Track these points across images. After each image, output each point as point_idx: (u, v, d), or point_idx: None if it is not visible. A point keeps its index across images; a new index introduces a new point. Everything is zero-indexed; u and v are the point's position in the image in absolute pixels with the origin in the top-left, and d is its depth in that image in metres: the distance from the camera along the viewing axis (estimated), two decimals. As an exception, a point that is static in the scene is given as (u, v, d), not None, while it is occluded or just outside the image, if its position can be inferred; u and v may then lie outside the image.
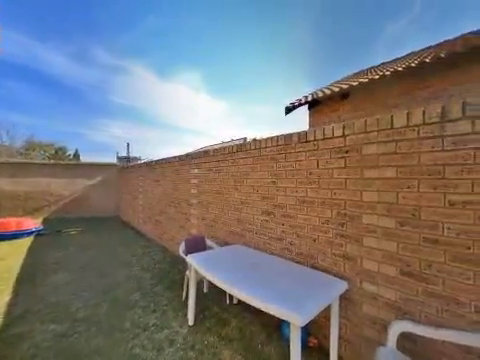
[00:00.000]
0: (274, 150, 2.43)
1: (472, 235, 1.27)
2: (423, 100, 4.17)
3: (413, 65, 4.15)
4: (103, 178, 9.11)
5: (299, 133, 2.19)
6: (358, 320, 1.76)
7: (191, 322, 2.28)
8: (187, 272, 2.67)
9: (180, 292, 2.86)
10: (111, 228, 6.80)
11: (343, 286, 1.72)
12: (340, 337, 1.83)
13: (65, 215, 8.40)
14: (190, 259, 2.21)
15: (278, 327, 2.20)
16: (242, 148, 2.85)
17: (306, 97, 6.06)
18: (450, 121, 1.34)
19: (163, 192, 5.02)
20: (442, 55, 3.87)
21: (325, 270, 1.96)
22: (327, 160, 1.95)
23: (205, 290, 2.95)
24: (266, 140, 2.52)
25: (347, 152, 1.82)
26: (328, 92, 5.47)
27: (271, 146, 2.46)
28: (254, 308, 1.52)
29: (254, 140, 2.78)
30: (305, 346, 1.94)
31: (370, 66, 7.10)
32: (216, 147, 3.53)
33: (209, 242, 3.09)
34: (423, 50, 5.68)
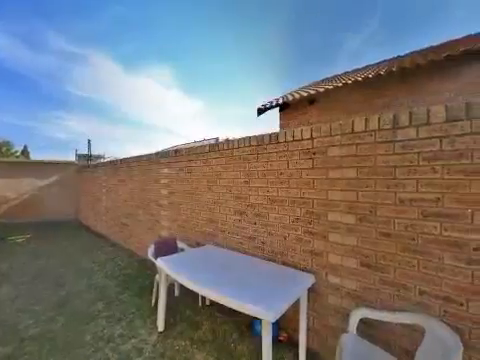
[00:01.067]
0: (247, 151, 2.47)
1: (417, 228, 1.46)
2: (379, 108, 4.65)
3: (370, 76, 4.60)
4: (59, 178, 8.19)
5: (270, 134, 2.25)
6: (324, 311, 1.88)
7: (161, 328, 2.19)
8: (157, 276, 2.55)
9: (149, 298, 2.72)
10: (69, 233, 6.16)
11: (311, 280, 1.83)
12: (308, 329, 1.93)
13: (11, 220, 7.34)
14: (160, 262, 2.12)
15: (250, 324, 2.24)
16: (215, 148, 2.83)
17: (277, 100, 6.27)
18: (400, 128, 1.52)
19: (130, 193, 4.73)
20: (394, 69, 4.37)
21: (295, 266, 2.05)
22: (297, 161, 2.05)
23: (177, 294, 2.86)
24: (239, 140, 2.55)
25: (314, 154, 1.93)
26: (297, 96, 5.75)
27: (244, 146, 2.50)
28: (227, 308, 1.52)
29: (227, 140, 2.79)
30: (276, 341, 2.00)
31: (334, 74, 7.67)
32: (188, 146, 3.45)
33: (180, 244, 3.00)
34: (379, 63, 6.33)
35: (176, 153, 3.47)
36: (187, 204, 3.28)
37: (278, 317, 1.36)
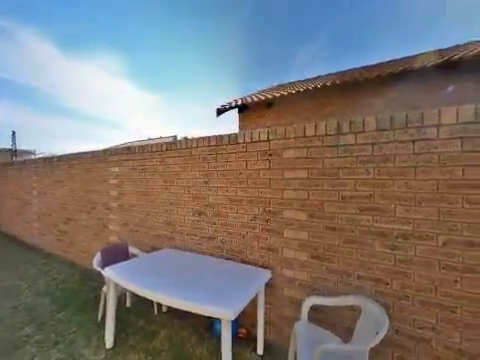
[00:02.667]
0: (206, 150, 2.44)
1: (355, 221, 1.68)
2: (327, 116, 5.20)
3: (319, 87, 5.11)
4: (-31, 178, 6.56)
5: (229, 135, 2.28)
6: (280, 303, 2.00)
7: (110, 344, 1.97)
8: (104, 287, 2.29)
9: (95, 313, 2.42)
10: (-16, 246, 4.99)
11: (268, 275, 1.92)
12: (265, 322, 2.03)
13: None
14: (108, 271, 1.91)
15: (210, 325, 2.22)
16: (172, 147, 2.71)
17: (236, 101, 6.39)
18: (342, 134, 1.73)
19: (70, 195, 4.12)
20: (337, 82, 4.95)
21: (253, 263, 2.13)
22: (255, 161, 2.12)
23: (128, 304, 2.62)
24: (198, 140, 2.50)
25: (271, 155, 2.04)
26: (256, 99, 5.97)
27: (203, 146, 2.46)
28: (185, 312, 1.47)
29: (185, 139, 2.70)
30: (235, 338, 2.04)
31: (289, 81, 8.24)
32: (142, 144, 3.21)
33: (133, 249, 2.76)
34: (327, 75, 7.08)
35: (128, 151, 3.19)
36: (141, 206, 3.04)
37: (237, 314, 1.38)
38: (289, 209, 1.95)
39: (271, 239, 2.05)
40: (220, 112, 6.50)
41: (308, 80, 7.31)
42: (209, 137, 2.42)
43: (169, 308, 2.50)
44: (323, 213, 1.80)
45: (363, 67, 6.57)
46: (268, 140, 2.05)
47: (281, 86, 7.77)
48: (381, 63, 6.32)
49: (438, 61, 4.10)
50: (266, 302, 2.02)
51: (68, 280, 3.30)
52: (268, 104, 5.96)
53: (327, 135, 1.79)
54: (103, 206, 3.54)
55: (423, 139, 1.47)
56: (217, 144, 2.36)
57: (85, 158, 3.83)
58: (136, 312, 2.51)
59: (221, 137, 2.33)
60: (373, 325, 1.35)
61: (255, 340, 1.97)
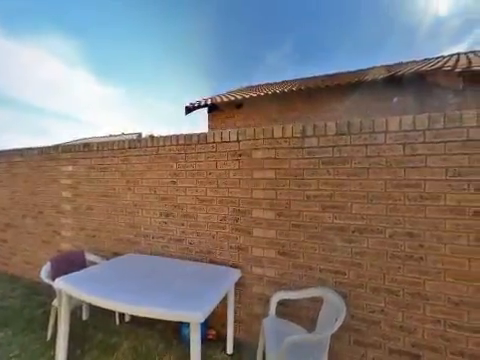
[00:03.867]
0: (174, 149, 2.35)
1: (318, 219, 1.81)
2: (293, 119, 5.47)
3: (285, 91, 5.36)
4: None
5: (199, 134, 2.24)
6: (249, 301, 2.04)
7: (62, 364, 1.76)
8: (55, 301, 2.04)
9: (43, 332, 2.13)
10: None
11: (237, 274, 1.94)
12: (235, 321, 2.04)
13: None
14: (60, 283, 1.70)
15: (177, 330, 2.14)
16: (137, 144, 2.54)
17: (205, 100, 6.31)
18: (307, 137, 1.84)
19: (10, 198, 3.56)
20: (302, 88, 5.26)
21: (222, 263, 2.12)
22: (224, 162, 2.13)
23: (85, 317, 2.37)
24: (165, 138, 2.40)
25: (241, 155, 2.07)
26: (225, 99, 5.98)
27: (170, 145, 2.37)
28: (150, 319, 1.40)
29: (151, 137, 2.57)
30: (205, 340, 2.01)
31: (258, 84, 8.46)
32: (102, 140, 2.94)
33: (90, 257, 2.51)
34: (293, 80, 7.45)
35: (86, 148, 2.89)
36: (100, 208, 2.79)
37: (207, 316, 1.37)
38: (258, 208, 2.00)
39: (241, 238, 2.08)
40: (189, 110, 6.35)
41: (276, 83, 7.61)
42: (177, 136, 2.34)
43: (133, 317, 2.34)
44: (290, 211, 1.90)
45: (325, 75, 7.10)
46: (238, 140, 2.08)
47: (250, 88, 7.93)
48: (340, 73, 6.91)
49: (385, 75, 4.67)
50: (236, 301, 2.04)
51: (7, 296, 2.84)
52: (237, 105, 6.02)
53: (293, 137, 1.89)
54: (53, 209, 3.14)
55: (374, 144, 1.66)
56: (186, 143, 2.29)
57: (31, 155, 3.35)
58: (94, 325, 2.29)
59: (190, 136, 2.28)
60: (333, 313, 1.47)
61: (225, 340, 1.97)
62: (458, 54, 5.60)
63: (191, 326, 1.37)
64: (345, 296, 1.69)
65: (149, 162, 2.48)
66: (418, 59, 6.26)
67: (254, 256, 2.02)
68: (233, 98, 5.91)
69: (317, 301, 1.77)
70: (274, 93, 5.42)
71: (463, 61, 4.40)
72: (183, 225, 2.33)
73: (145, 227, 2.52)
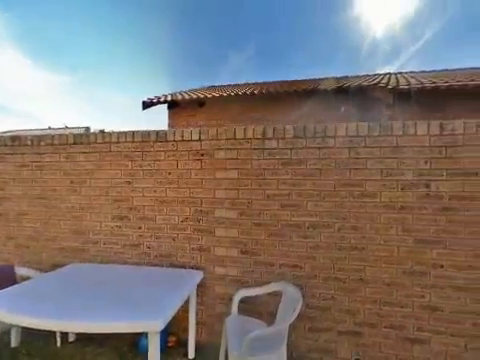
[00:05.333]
0: (130, 147, 2.17)
1: (277, 216, 1.91)
2: (254, 121, 5.63)
3: (248, 93, 5.49)
4: None
5: (158, 132, 2.12)
6: (212, 301, 2.03)
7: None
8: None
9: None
10: None
11: (200, 276, 1.91)
12: (197, 323, 2.00)
13: None
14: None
15: (134, 343, 1.98)
16: (85, 140, 2.26)
17: (165, 96, 6.01)
18: (267, 139, 1.93)
19: None
20: (263, 91, 5.47)
21: (183, 265, 2.06)
22: (186, 161, 2.06)
23: (14, 344, 1.99)
24: (119, 134, 2.19)
25: (203, 155, 2.03)
26: (187, 97, 5.80)
27: (125, 142, 2.18)
28: (101, 335, 1.26)
29: (102, 132, 2.31)
30: (165, 349, 1.91)
31: (221, 84, 8.45)
32: (38, 133, 2.52)
33: (22, 271, 2.13)
34: (254, 83, 7.68)
35: (15, 142, 2.43)
36: (36, 213, 2.38)
37: (166, 323, 1.30)
38: (220, 208, 2.00)
39: (203, 239, 2.04)
40: (147, 105, 5.94)
41: (238, 85, 7.73)
42: (133, 132, 2.17)
43: (79, 335, 2.07)
44: (251, 210, 1.95)
45: (284, 81, 7.53)
46: (200, 140, 2.04)
47: (213, 87, 7.87)
48: (298, 80, 7.43)
49: (334, 86, 5.22)
50: (198, 303, 2.00)
51: None
52: (200, 103, 5.91)
53: (255, 139, 1.95)
54: (-31, 216, 2.55)
55: (325, 147, 1.83)
56: (143, 141, 2.14)
57: None
58: (28, 351, 1.94)
59: (148, 133, 2.13)
60: (291, 305, 1.57)
61: (186, 345, 1.91)
62: (390, 74, 6.62)
63: (149, 336, 1.29)
64: (301, 288, 1.82)
65: (99, 160, 2.23)
66: (360, 74, 7.18)
67: (217, 256, 2.02)
68: (195, 96, 5.78)
69: (277, 295, 1.86)
70: (237, 94, 5.50)
71: (393, 80, 5.22)
72: (140, 228, 2.17)
73: (94, 233, 2.26)
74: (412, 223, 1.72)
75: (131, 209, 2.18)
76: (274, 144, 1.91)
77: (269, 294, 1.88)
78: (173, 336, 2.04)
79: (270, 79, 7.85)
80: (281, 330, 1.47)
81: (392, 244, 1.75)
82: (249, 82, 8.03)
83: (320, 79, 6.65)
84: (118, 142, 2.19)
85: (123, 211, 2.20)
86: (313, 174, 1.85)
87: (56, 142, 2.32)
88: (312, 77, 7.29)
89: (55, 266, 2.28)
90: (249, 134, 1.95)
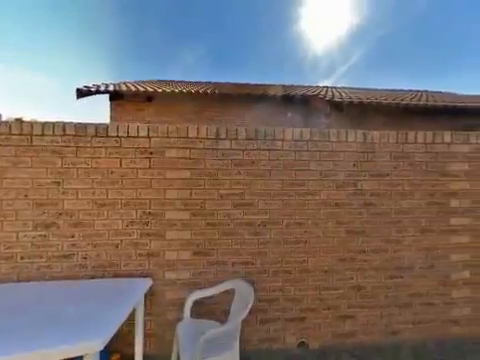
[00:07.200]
0: (59, 141, 1.84)
1: (230, 216, 1.94)
2: (207, 120, 5.57)
3: (201, 92, 5.40)
4: None
5: (97, 125, 1.87)
6: (162, 309, 1.90)
7: None
8: None
9: None
10: None
11: (148, 283, 1.76)
12: (145, 335, 1.84)
13: None
14: None
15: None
16: (-9, 130, 1.80)
17: (107, 86, 5.35)
18: (221, 139, 1.94)
19: None
20: (216, 92, 5.48)
21: (129, 274, 1.87)
22: (132, 159, 1.88)
23: None
24: (44, 125, 1.84)
25: (152, 153, 1.89)
26: (133, 89, 5.30)
27: (53, 135, 1.84)
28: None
29: (20, 121, 1.89)
30: (105, 370, 1.69)
31: (172, 80, 8.04)
32: None
33: None
34: (207, 83, 7.60)
35: None
36: None
37: (107, 341, 1.16)
38: (172, 209, 1.91)
39: (152, 243, 1.90)
40: (82, 94, 5.14)
41: (190, 83, 7.51)
42: (64, 124, 1.85)
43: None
44: (204, 211, 1.93)
45: (236, 84, 7.71)
46: (149, 137, 1.89)
47: (163, 82, 7.42)
48: (249, 84, 7.72)
49: (282, 94, 5.66)
50: (146, 314, 1.85)
51: None
52: (148, 98, 5.49)
53: (208, 139, 1.93)
54: None
55: (275, 149, 1.97)
56: (78, 134, 1.85)
57: None
58: None
59: (84, 126, 1.86)
60: (244, 301, 1.62)
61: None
62: (327, 87, 7.60)
63: (85, 358, 1.12)
64: (253, 283, 1.90)
65: (15, 156, 1.82)
66: (304, 84, 7.99)
67: (167, 260, 1.91)
68: (143, 89, 5.33)
69: (230, 293, 1.89)
70: (190, 92, 5.34)
71: (330, 93, 6.01)
72: (73, 237, 1.86)
73: (8, 246, 1.82)
74: (344, 217, 2.02)
75: (61, 214, 1.85)
76: (227, 145, 1.94)
77: (223, 293, 1.89)
78: (116, 354, 1.83)
79: (221, 80, 7.94)
80: (234, 327, 1.50)
81: (329, 236, 2.01)
82: (202, 81, 7.92)
83: (270, 85, 7.10)
84: (43, 135, 1.83)
85: (50, 217, 1.84)
86: (264, 174, 1.96)
87: None
88: (262, 82, 7.71)
89: None
90: (202, 133, 1.92)
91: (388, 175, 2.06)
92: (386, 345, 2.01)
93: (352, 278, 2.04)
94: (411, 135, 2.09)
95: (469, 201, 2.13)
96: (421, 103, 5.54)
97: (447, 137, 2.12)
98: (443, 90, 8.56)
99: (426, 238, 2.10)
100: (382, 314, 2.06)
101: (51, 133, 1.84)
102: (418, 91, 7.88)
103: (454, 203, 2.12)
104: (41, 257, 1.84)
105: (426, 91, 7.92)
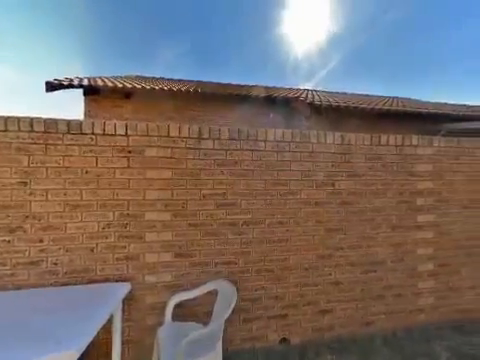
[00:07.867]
0: (26, 137, 1.69)
1: (213, 216, 1.93)
2: (189, 119, 5.47)
3: (183, 90, 5.29)
4: None
5: (70, 121, 1.75)
6: (141, 314, 1.83)
7: None
8: None
9: None
10: None
11: (126, 288, 1.69)
12: (123, 343, 1.76)
13: None
14: None
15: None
16: None
17: (80, 80, 5.03)
18: (203, 139, 1.91)
19: None
20: (199, 90, 5.40)
21: (106, 279, 1.77)
22: (109, 158, 1.79)
23: None
24: (8, 120, 1.68)
25: (130, 152, 1.82)
26: (110, 84, 5.04)
27: (19, 130, 1.69)
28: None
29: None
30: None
31: (152, 76, 7.77)
32: None
33: None
34: (189, 81, 7.45)
35: None
36: None
37: (81, 351, 1.09)
38: (152, 210, 1.84)
39: (130, 246, 1.82)
40: (53, 87, 4.76)
41: (171, 80, 7.32)
42: (32, 119, 1.70)
43: None
44: (186, 211, 1.89)
45: (219, 83, 7.67)
46: (127, 135, 1.81)
47: (142, 78, 7.15)
48: (232, 84, 7.72)
49: (265, 95, 5.74)
50: (124, 320, 1.77)
51: None
52: (127, 94, 5.25)
53: (190, 138, 1.90)
54: None
55: (257, 150, 1.99)
56: (47, 131, 1.72)
57: None
58: None
59: (55, 122, 1.73)
60: (227, 301, 1.61)
61: (109, 370, 1.65)
62: (308, 90, 7.84)
63: (57, 372, 1.04)
64: (236, 282, 1.90)
65: (-28, 153, 1.64)
66: (286, 87, 8.18)
67: (147, 263, 1.84)
68: (121, 85, 5.09)
69: (213, 294, 1.87)
70: (171, 89, 5.20)
71: (310, 96, 6.21)
72: (41, 242, 1.72)
73: (-37, 253, 1.63)
74: (323, 215, 2.10)
75: (27, 217, 1.70)
76: (210, 144, 1.92)
77: (205, 294, 1.87)
78: (91, 365, 1.72)
79: (203, 79, 7.86)
80: (217, 328, 1.49)
81: (309, 234, 2.08)
82: (183, 79, 7.76)
83: (252, 86, 7.16)
84: (6, 130, 1.67)
85: (15, 221, 1.69)
86: (246, 174, 1.97)
87: None
88: (245, 83, 7.76)
89: None
90: (184, 132, 1.89)
91: (363, 175, 2.18)
92: (361, 336, 2.13)
93: (330, 274, 2.12)
94: (383, 138, 2.24)
95: (432, 199, 2.34)
96: (392, 108, 5.94)
97: (414, 140, 2.30)
98: (411, 97, 9.29)
99: (396, 234, 2.26)
100: (358, 307, 2.17)
101: (16, 129, 1.68)
102: (389, 97, 8.46)
103: (420, 201, 2.31)
104: (4, 265, 1.68)
105: (396, 97, 8.53)
